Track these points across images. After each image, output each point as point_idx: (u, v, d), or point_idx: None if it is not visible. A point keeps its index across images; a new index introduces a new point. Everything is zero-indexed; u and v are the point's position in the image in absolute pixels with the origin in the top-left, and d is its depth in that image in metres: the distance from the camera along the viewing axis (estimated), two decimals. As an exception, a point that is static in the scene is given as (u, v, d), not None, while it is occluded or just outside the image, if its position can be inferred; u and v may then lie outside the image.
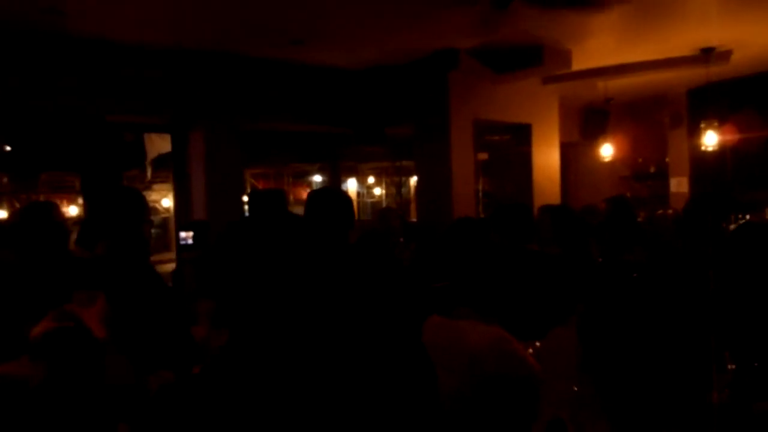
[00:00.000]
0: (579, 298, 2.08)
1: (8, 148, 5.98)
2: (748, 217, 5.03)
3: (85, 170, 5.84)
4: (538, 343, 2.44)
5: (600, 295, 1.85)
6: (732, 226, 3.85)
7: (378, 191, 12.17)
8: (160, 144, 7.20)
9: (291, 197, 10.08)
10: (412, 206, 10.41)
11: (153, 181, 9.18)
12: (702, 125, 6.57)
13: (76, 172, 8.28)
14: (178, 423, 1.34)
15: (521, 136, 6.65)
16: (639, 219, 4.62)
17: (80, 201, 6.74)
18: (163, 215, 9.56)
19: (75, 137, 5.61)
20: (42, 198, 8.21)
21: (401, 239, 5.33)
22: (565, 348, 1.76)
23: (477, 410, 2.08)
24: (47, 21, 4.44)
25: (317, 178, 10.66)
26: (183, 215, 5.92)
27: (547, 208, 3.84)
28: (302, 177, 11.55)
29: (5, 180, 8.46)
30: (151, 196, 9.40)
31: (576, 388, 1.57)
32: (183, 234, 3.42)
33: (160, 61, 5.35)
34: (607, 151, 7.79)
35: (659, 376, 1.55)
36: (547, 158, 6.75)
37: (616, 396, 1.53)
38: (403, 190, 11.31)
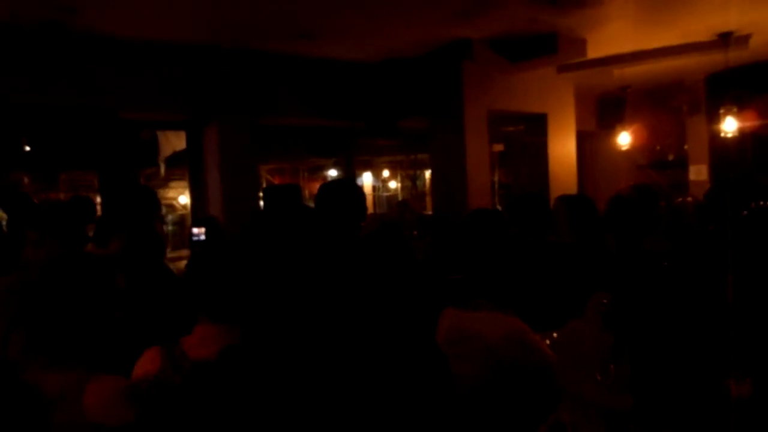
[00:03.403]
0: (597, 289, 2.05)
1: (28, 148, 6.04)
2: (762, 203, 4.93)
3: (103, 169, 5.89)
4: (555, 334, 2.42)
5: (628, 285, 1.83)
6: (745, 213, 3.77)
7: (393, 185, 12.14)
8: (175, 141, 7.25)
9: (306, 192, 10.09)
10: (428, 199, 10.38)
11: (169, 179, 9.25)
12: (721, 111, 6.45)
13: (93, 171, 8.37)
14: (196, 414, 1.34)
15: (537, 126, 6.58)
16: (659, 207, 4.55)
17: (99, 200, 6.81)
18: (181, 212, 9.62)
19: (92, 136, 5.66)
20: (62, 197, 8.30)
21: (415, 232, 5.34)
22: (583, 338, 1.74)
23: (493, 399, 2.07)
24: (63, 20, 4.48)
25: (332, 173, 10.65)
26: (199, 212, 5.96)
27: (564, 198, 3.81)
28: (317, 171, 11.55)
29: (26, 180, 8.57)
30: (168, 193, 9.47)
31: (599, 377, 1.55)
32: (195, 230, 3.44)
33: (173, 58, 5.38)
34: (624, 139, 7.69)
35: (688, 363, 1.53)
36: (563, 148, 6.68)
37: (650, 384, 1.52)
38: (418, 183, 11.28)
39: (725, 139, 6.57)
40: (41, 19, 4.49)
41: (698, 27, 5.49)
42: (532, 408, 1.88)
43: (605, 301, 1.83)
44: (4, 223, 3.14)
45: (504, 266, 2.45)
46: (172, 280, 2.60)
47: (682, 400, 1.54)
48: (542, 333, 2.37)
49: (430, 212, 7.97)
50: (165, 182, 9.14)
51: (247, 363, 1.41)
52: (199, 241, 3.39)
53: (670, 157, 8.16)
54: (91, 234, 2.78)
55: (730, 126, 6.33)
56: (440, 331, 2.27)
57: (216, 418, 1.26)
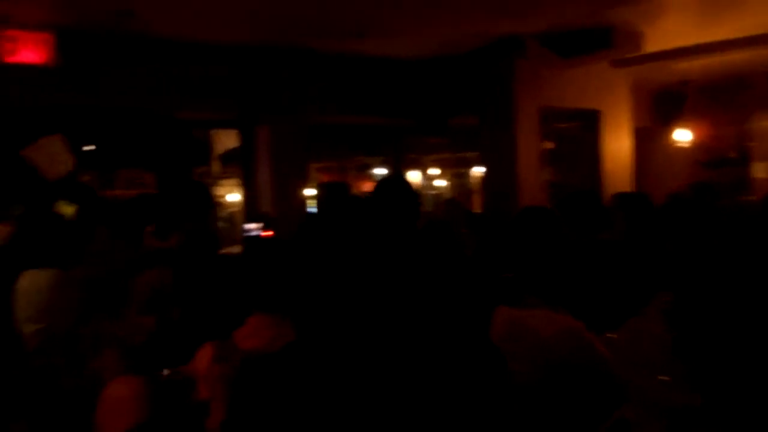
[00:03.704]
0: (657, 288, 1.99)
1: (92, 147, 6.29)
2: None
3: (159, 167, 6.08)
4: (611, 335, 2.36)
5: (691, 284, 1.76)
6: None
7: (441, 183, 12.08)
8: (227, 140, 7.40)
9: (355, 190, 10.15)
10: (475, 197, 10.29)
11: (220, 177, 9.45)
12: (788, 107, 6.16)
13: (150, 170, 8.64)
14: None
15: (590, 123, 6.43)
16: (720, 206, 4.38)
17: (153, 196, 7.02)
18: (230, 210, 9.81)
19: (148, 135, 5.85)
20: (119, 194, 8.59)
21: (465, 230, 5.28)
22: (645, 337, 1.69)
23: (549, 397, 2.03)
24: (121, 23, 4.63)
25: (380, 171, 10.67)
26: (250, 209, 6.07)
27: (620, 196, 3.72)
28: (365, 170, 11.60)
29: (87, 178, 8.92)
30: (219, 191, 9.68)
31: (664, 377, 1.50)
32: (250, 226, 3.51)
33: (226, 58, 5.49)
34: (682, 136, 7.43)
35: (755, 362, 1.46)
36: (618, 145, 6.51)
37: (716, 383, 1.46)
38: (466, 181, 11.19)
39: (792, 135, 6.27)
40: (102, 24, 4.65)
41: (763, 19, 5.24)
42: (591, 406, 1.84)
43: (668, 300, 1.77)
44: (69, 217, 3.27)
45: (556, 265, 2.41)
46: (227, 273, 2.65)
47: (748, 401, 1.47)
48: (597, 334, 2.31)
49: (478, 210, 7.89)
50: (217, 180, 9.35)
51: (306, 355, 1.41)
52: (254, 237, 3.47)
53: (731, 155, 7.83)
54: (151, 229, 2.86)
55: (797, 122, 6.04)
56: (494, 329, 2.24)
57: (276, 410, 1.27)
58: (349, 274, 1.78)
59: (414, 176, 11.64)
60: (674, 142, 7.45)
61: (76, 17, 4.52)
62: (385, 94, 6.34)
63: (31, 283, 2.74)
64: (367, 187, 10.97)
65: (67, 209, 3.61)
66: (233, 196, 9.52)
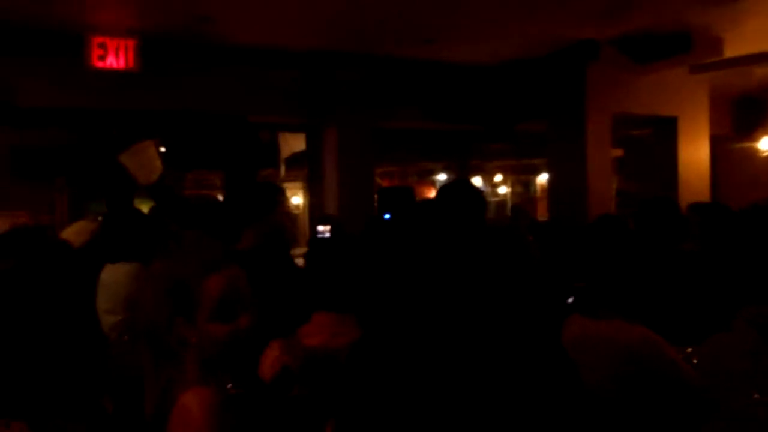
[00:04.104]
0: (742, 302, 1.89)
1: (163, 149, 6.55)
2: None
3: (228, 169, 6.26)
4: (689, 349, 2.27)
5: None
6: None
7: (503, 190, 11.92)
8: (293, 143, 7.54)
9: (416, 195, 10.14)
10: (539, 205, 10.09)
11: (285, 179, 9.65)
12: None
13: (219, 171, 8.91)
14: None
15: (665, 130, 6.20)
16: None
17: (221, 198, 7.24)
18: (294, 212, 10.00)
19: (219, 138, 6.03)
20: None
21: (531, 237, 5.18)
22: (731, 353, 1.61)
23: (623, 411, 1.97)
24: (199, 29, 4.81)
25: (442, 177, 10.63)
26: (316, 211, 6.16)
27: (697, 207, 3.59)
28: (427, 175, 11.58)
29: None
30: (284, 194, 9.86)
31: (757, 395, 1.43)
32: (321, 227, 3.57)
33: (296, 63, 5.61)
34: (765, 144, 7.08)
35: None
36: (695, 153, 6.24)
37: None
38: (531, 188, 11.00)
39: None
40: (181, 30, 4.84)
41: None
42: (669, 418, 1.77)
43: (757, 312, 1.68)
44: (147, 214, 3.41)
45: (631, 275, 2.33)
46: (295, 272, 2.70)
47: None
48: (676, 347, 2.23)
49: (542, 218, 7.74)
50: (282, 183, 9.55)
51: (377, 356, 1.42)
52: (324, 238, 3.53)
53: (817, 165, 7.38)
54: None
55: None
56: (566, 338, 2.18)
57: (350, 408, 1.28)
58: (418, 277, 1.77)
59: (477, 182, 11.55)
60: (756, 150, 7.09)
61: (158, 23, 4.72)
62: (452, 100, 6.32)
63: (112, 276, 2.88)
64: (429, 192, 10.95)
65: (145, 206, 3.77)
66: (297, 199, 9.71)
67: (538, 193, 10.59)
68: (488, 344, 1.44)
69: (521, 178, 11.37)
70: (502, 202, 11.79)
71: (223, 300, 1.60)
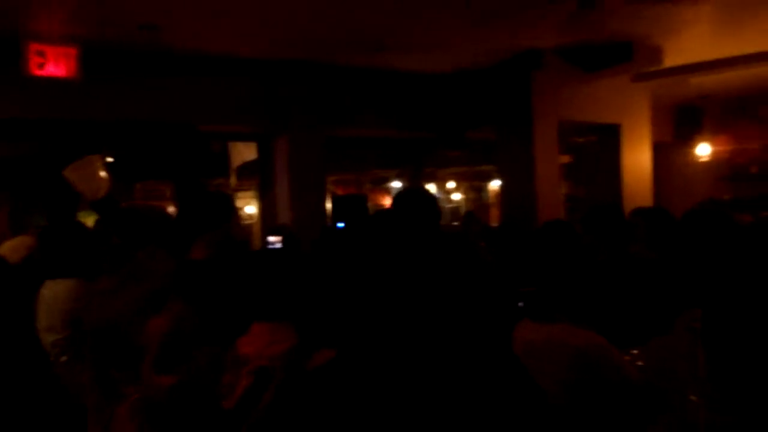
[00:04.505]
0: (685, 305, 1.96)
1: (110, 160, 6.37)
2: None
3: (177, 179, 6.13)
4: (634, 351, 2.33)
5: (723, 301, 1.74)
6: None
7: (457, 196, 12.06)
8: (244, 152, 7.45)
9: (370, 203, 10.16)
10: (492, 211, 10.25)
11: (237, 189, 9.51)
12: (812, 121, 6.10)
13: (168, 181, 8.71)
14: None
15: (609, 137, 6.39)
16: (743, 222, 4.31)
17: (171, 209, 7.08)
18: (247, 222, 9.87)
19: (168, 148, 5.90)
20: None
21: (483, 243, 5.25)
22: (672, 356, 1.66)
23: (571, 415, 2.00)
24: (145, 38, 4.69)
25: (396, 184, 10.69)
26: (269, 221, 6.09)
27: (640, 211, 3.68)
28: (381, 183, 11.62)
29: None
30: (236, 203, 9.72)
31: (694, 398, 1.47)
32: (272, 238, 3.51)
33: (246, 71, 5.54)
34: (703, 150, 7.38)
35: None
36: (638, 159, 6.45)
37: (745, 401, 1.43)
38: (483, 194, 11.17)
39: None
40: (125, 38, 4.72)
41: (785, 33, 5.21)
42: (617, 422, 1.81)
43: (695, 317, 1.74)
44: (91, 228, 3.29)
45: (579, 279, 2.38)
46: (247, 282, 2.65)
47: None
48: (621, 349, 2.28)
49: (495, 224, 7.85)
50: (233, 192, 9.41)
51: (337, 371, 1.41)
52: (273, 249, 3.47)
53: (753, 169, 7.75)
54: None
55: (821, 136, 5.97)
56: (516, 344, 2.21)
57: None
58: (367, 285, 1.77)
59: (430, 189, 11.65)
60: (694, 157, 7.38)
61: (100, 31, 4.59)
62: (404, 108, 6.35)
63: (51, 292, 2.76)
64: (384, 200, 10.99)
65: (89, 220, 3.64)
66: (250, 209, 9.58)
67: (491, 199, 10.76)
68: (440, 351, 1.44)
69: (474, 184, 11.55)
70: (456, 208, 11.92)
71: (167, 345, 1.54)
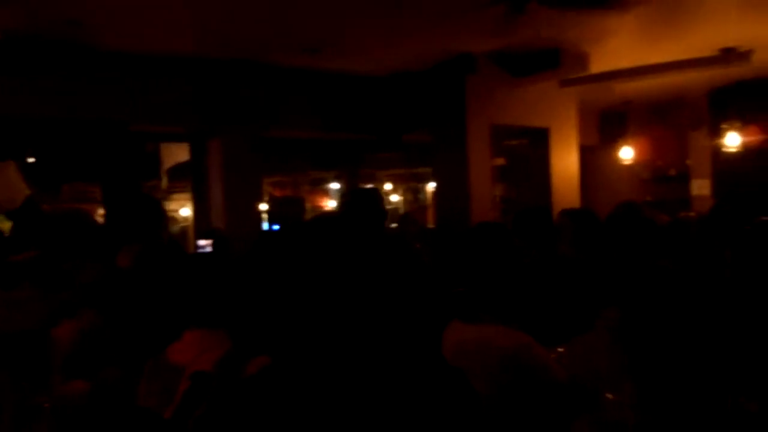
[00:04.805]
0: (605, 304, 2.05)
1: (31, 160, 6.07)
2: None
3: (107, 180, 5.90)
4: (560, 349, 2.41)
5: (639, 300, 1.82)
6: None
7: (395, 198, 12.14)
8: (177, 153, 7.27)
9: (308, 205, 10.09)
10: (429, 212, 10.37)
11: (171, 191, 9.26)
12: (723, 126, 6.49)
13: (97, 183, 8.37)
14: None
15: (539, 140, 6.60)
16: (662, 222, 4.53)
17: (101, 212, 6.81)
18: (182, 224, 9.62)
19: (97, 148, 5.68)
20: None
21: (419, 245, 5.32)
22: (591, 354, 1.73)
23: (500, 414, 2.06)
24: (71, 33, 4.52)
25: (335, 186, 10.66)
26: (202, 224, 5.96)
27: (568, 212, 3.80)
28: (319, 184, 11.55)
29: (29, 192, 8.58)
30: (170, 205, 9.47)
31: (611, 396, 1.54)
32: (202, 242, 3.43)
33: (179, 70, 5.41)
34: (626, 154, 7.72)
35: (696, 378, 1.52)
36: (566, 162, 6.69)
37: (660, 400, 1.51)
38: (420, 196, 11.28)
39: (728, 154, 6.59)
40: (52, 34, 4.52)
41: (701, 42, 5.52)
42: (544, 423, 1.87)
43: (614, 316, 1.82)
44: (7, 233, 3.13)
45: (509, 280, 2.45)
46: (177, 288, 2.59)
47: (692, 417, 1.53)
48: (548, 348, 2.36)
49: (432, 225, 7.95)
50: (166, 194, 9.15)
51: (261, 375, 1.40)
52: (206, 253, 3.39)
53: (672, 172, 8.17)
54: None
55: (733, 141, 6.36)
56: (446, 345, 2.25)
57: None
58: (301, 289, 1.76)
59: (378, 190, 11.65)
60: (618, 159, 7.71)
61: (23, 24, 4.38)
62: (341, 109, 6.35)
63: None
64: (323, 201, 10.93)
65: (4, 225, 3.45)
66: (185, 211, 9.35)
67: (429, 201, 10.88)
68: (375, 354, 1.46)
69: (411, 186, 11.63)
70: (394, 210, 11.99)
71: (77, 353, 1.48)
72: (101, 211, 6.58)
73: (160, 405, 1.64)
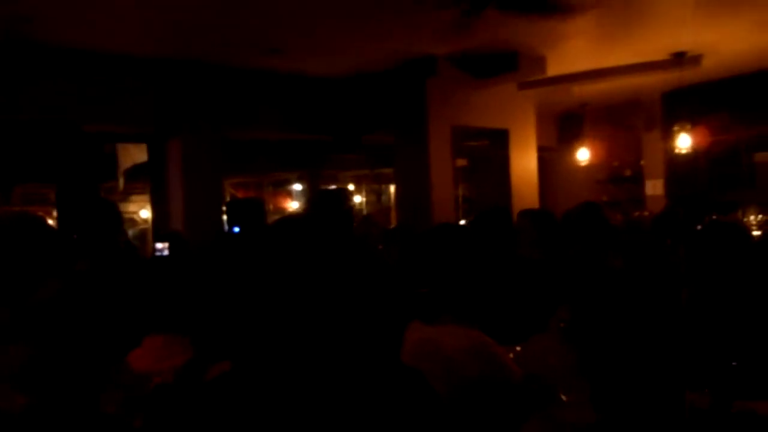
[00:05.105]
0: (560, 303, 2.09)
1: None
2: (714, 217, 5.12)
3: (61, 182, 5.74)
4: (518, 348, 2.45)
5: (588, 300, 1.87)
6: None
7: (358, 199, 12.14)
8: (135, 154, 7.12)
9: (271, 206, 10.01)
10: (392, 213, 10.41)
11: (129, 192, 9.06)
12: (675, 128, 6.69)
13: (51, 184, 8.13)
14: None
15: (499, 142, 6.69)
16: (616, 222, 4.66)
17: (55, 214, 6.62)
18: (142, 227, 9.44)
19: (51, 148, 5.51)
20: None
21: (381, 246, 5.33)
22: (546, 353, 1.77)
23: (459, 415, 2.08)
24: (21, 30, 4.38)
25: (297, 187, 10.60)
26: (161, 226, 5.85)
27: (527, 213, 3.86)
28: (282, 185, 11.47)
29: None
30: (129, 207, 9.27)
31: (564, 397, 1.57)
32: (159, 245, 3.36)
33: (136, 70, 5.30)
34: (583, 155, 7.89)
35: (647, 377, 1.56)
36: (525, 163, 6.80)
37: (611, 399, 1.54)
38: (383, 197, 11.31)
39: (680, 155, 6.80)
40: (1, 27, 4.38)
41: (654, 46, 5.69)
42: (500, 422, 1.90)
43: (565, 315, 1.86)
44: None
45: (469, 280, 2.47)
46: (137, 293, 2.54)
47: (642, 414, 1.57)
48: (506, 347, 2.39)
49: (394, 226, 7.97)
50: (125, 196, 8.96)
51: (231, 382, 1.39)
52: (163, 257, 3.32)
53: (627, 173, 8.39)
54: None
55: (684, 143, 6.56)
56: (406, 346, 2.27)
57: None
58: (261, 292, 1.75)
59: (346, 191, 11.64)
60: (575, 160, 7.87)
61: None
62: (302, 111, 6.33)
63: None
64: (286, 202, 10.86)
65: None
66: (144, 213, 9.17)
67: (391, 202, 10.92)
68: (335, 357, 1.46)
69: (374, 187, 11.65)
70: (357, 210, 11.99)
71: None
72: (55, 214, 6.41)
73: (122, 412, 1.61)
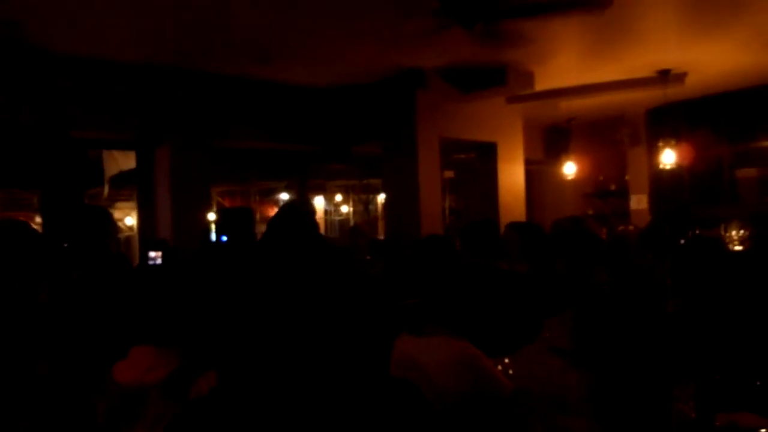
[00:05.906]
0: (547, 316, 2.12)
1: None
2: (698, 231, 5.19)
3: (46, 188, 5.68)
4: (506, 360, 2.46)
5: (576, 313, 1.89)
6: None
7: (345, 209, 12.14)
8: (121, 160, 7.07)
9: (258, 215, 9.99)
10: (380, 224, 10.43)
11: (115, 199, 9.00)
12: (660, 144, 6.79)
13: (36, 190, 8.04)
14: None
15: (487, 155, 6.75)
16: (602, 236, 4.71)
17: (38, 219, 6.54)
18: (127, 234, 9.37)
19: (36, 154, 5.46)
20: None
21: (368, 257, 5.34)
22: (534, 366, 1.78)
23: (448, 425, 2.08)
24: (8, 33, 4.35)
25: (284, 196, 10.59)
26: (148, 234, 5.82)
27: (514, 226, 3.89)
28: (269, 194, 11.45)
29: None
30: (114, 214, 9.20)
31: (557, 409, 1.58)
32: (152, 254, 3.34)
33: (126, 77, 5.28)
34: (569, 169, 7.97)
35: (634, 387, 1.58)
36: (512, 176, 6.86)
37: (603, 409, 1.56)
38: (371, 207, 11.33)
39: (664, 170, 6.90)
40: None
41: (639, 63, 5.78)
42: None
43: (553, 328, 1.88)
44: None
45: (457, 292, 2.48)
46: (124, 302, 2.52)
47: (629, 424, 1.59)
48: (494, 359, 2.41)
49: (382, 237, 8.00)
50: (110, 202, 8.89)
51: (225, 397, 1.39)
52: (156, 266, 3.29)
53: (612, 187, 8.48)
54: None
55: (668, 158, 6.66)
56: (396, 357, 2.28)
57: None
58: (247, 303, 1.76)
59: (319, 202, 11.65)
60: (562, 174, 7.95)
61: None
62: (290, 120, 6.34)
63: None
64: (272, 211, 10.84)
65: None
66: (130, 220, 9.10)
67: (379, 212, 10.94)
68: (322, 367, 1.47)
69: (362, 197, 11.68)
70: (345, 221, 12.00)
71: None
72: (38, 220, 6.34)
73: (105, 424, 1.60)
